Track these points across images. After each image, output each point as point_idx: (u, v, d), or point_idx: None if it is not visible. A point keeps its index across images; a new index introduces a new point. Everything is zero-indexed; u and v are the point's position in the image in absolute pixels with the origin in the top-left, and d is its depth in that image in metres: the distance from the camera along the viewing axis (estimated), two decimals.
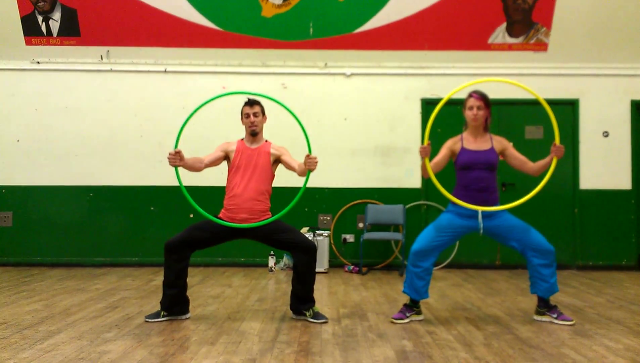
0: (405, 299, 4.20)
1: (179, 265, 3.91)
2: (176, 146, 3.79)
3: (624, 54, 6.72)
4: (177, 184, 7.19)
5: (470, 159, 3.84)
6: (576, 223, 6.74)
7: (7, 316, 4.01)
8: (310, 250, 3.87)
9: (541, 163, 3.91)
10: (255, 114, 4.05)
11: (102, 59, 6.76)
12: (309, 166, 3.69)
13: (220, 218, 3.97)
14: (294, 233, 3.95)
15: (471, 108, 3.86)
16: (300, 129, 3.81)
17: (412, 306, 3.96)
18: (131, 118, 6.80)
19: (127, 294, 4.92)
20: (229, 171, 4.08)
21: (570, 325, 3.80)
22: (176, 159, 3.76)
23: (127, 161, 6.77)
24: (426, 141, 3.74)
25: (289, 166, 4.01)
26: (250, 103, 4.08)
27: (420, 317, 3.98)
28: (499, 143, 3.94)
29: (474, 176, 3.82)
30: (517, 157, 3.96)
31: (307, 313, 3.92)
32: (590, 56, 6.72)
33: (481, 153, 3.85)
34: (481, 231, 3.85)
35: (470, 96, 3.90)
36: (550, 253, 3.88)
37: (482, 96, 3.87)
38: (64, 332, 3.58)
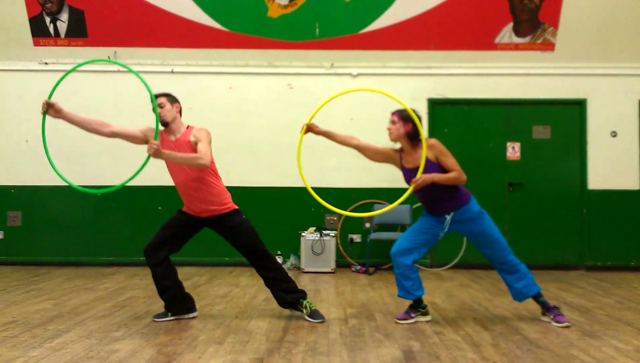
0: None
1: (159, 268, 3.85)
2: (50, 97, 3.77)
3: (632, 53, 6.69)
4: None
5: (407, 177, 3.87)
6: (584, 223, 6.71)
7: (17, 315, 4.04)
8: (258, 258, 3.90)
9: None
10: (160, 105, 3.87)
11: (109, 59, 6.80)
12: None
13: (184, 210, 3.97)
14: (245, 234, 3.89)
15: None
16: None
17: (417, 307, 3.96)
18: (138, 119, 6.78)
19: (135, 293, 4.94)
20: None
21: (564, 326, 3.76)
22: (44, 106, 3.73)
23: (134, 161, 6.71)
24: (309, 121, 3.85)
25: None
26: (156, 96, 3.91)
27: (427, 318, 3.98)
28: (430, 150, 3.76)
29: (418, 193, 3.86)
30: (446, 166, 3.77)
31: (304, 311, 3.92)
32: (598, 55, 6.69)
33: (414, 170, 3.77)
34: (442, 233, 3.88)
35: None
36: (506, 263, 3.87)
37: (396, 112, 3.87)
38: (72, 331, 3.60)
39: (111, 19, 6.59)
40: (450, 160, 3.76)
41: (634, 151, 6.73)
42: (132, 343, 3.32)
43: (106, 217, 6.78)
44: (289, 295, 3.95)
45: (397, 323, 3.88)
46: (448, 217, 3.83)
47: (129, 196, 6.75)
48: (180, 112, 3.97)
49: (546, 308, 3.94)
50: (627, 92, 6.78)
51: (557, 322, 3.82)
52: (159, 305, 4.41)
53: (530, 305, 4.54)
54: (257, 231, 3.97)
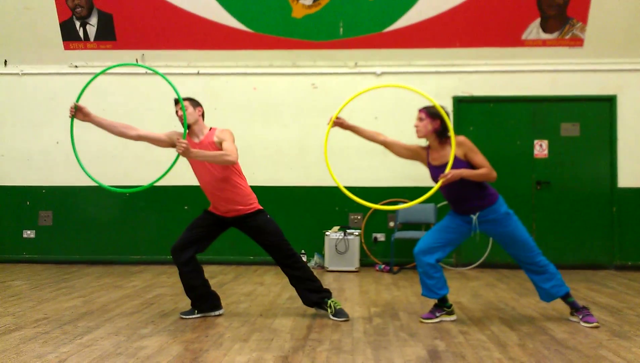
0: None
1: (186, 268, 3.92)
2: (77, 101, 3.84)
3: None
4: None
5: (433, 175, 3.84)
6: (614, 222, 6.56)
7: (49, 312, 4.15)
8: (284, 257, 3.91)
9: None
10: (179, 109, 3.89)
11: (137, 62, 6.92)
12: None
13: (210, 210, 4.03)
14: (271, 233, 3.92)
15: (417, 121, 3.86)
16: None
17: (442, 306, 3.93)
18: (166, 119, 6.91)
19: (162, 291, 5.03)
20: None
21: (593, 327, 3.68)
22: (72, 110, 3.80)
23: (161, 162, 6.82)
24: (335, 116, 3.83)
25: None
26: (175, 102, 3.94)
27: (452, 317, 3.94)
28: (459, 147, 3.71)
29: (444, 191, 3.82)
30: (475, 163, 3.72)
31: (329, 310, 3.93)
32: (628, 50, 6.53)
33: (441, 167, 3.74)
34: (472, 232, 3.85)
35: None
36: (534, 264, 3.80)
37: (424, 109, 3.82)
38: (102, 328, 3.68)
39: (139, 22, 6.71)
40: (479, 157, 3.71)
41: None
42: (160, 340, 3.38)
43: (134, 216, 6.91)
44: (314, 294, 3.97)
45: (421, 322, 3.86)
46: (474, 217, 3.79)
47: (156, 196, 6.87)
48: (202, 115, 4.02)
49: (575, 308, 3.87)
50: None
51: (586, 322, 3.74)
52: (186, 302, 4.48)
53: (558, 304, 4.46)
54: (282, 231, 4.00)
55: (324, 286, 4.07)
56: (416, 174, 6.70)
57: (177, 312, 4.13)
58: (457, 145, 3.70)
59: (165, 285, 5.38)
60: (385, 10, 6.55)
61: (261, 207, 4.03)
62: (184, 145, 3.59)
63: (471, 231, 3.86)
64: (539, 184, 6.66)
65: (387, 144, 4.01)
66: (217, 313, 4.04)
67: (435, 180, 3.76)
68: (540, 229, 6.59)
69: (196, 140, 3.95)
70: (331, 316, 3.93)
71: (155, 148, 7.12)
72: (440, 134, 3.80)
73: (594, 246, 6.59)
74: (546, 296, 3.87)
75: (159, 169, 6.81)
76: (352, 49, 6.73)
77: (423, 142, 3.95)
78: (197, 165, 3.94)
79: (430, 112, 3.80)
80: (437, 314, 3.90)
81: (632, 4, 6.30)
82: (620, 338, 3.44)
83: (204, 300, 4.00)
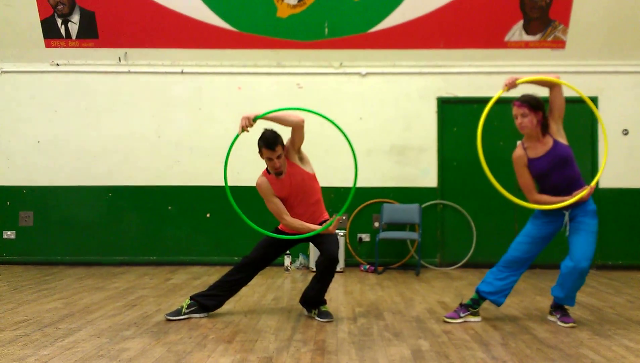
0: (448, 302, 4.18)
1: (241, 282, 4.03)
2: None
3: None
4: (193, 184, 7.23)
5: (540, 167, 3.66)
6: None
7: (29, 314, 4.08)
8: (331, 261, 3.88)
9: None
10: (278, 157, 3.90)
11: (120, 60, 6.85)
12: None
13: (280, 231, 4.06)
14: (330, 240, 3.95)
15: (515, 118, 3.70)
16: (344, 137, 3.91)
17: (470, 306, 3.87)
18: (149, 119, 6.88)
19: (145, 292, 4.98)
20: (284, 197, 4.04)
21: (570, 327, 3.72)
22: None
23: (145, 161, 6.85)
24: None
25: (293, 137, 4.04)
26: (270, 146, 3.88)
27: (477, 319, 3.89)
28: (562, 136, 3.70)
29: (550, 184, 3.66)
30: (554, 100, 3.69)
31: (314, 311, 3.97)
32: (609, 52, 6.63)
33: (547, 154, 3.64)
34: (567, 231, 3.70)
35: (513, 105, 3.72)
36: (575, 269, 3.59)
37: (524, 102, 3.65)
38: (83, 330, 3.63)
39: (122, 20, 6.64)
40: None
41: None
42: (142, 342, 3.35)
43: (117, 217, 6.83)
44: (315, 299, 3.98)
45: (446, 322, 3.83)
46: (567, 213, 3.64)
47: (139, 196, 6.81)
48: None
49: (553, 307, 3.91)
50: (639, 90, 6.71)
51: (563, 322, 3.79)
52: (169, 303, 4.45)
53: (541, 304, 4.52)
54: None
55: (308, 295, 4.07)
56: (401, 175, 6.75)
57: (160, 314, 4.10)
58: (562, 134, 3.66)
59: (148, 286, 5.32)
60: (370, 11, 6.56)
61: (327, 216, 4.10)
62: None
63: (557, 230, 3.74)
64: None
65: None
66: (202, 315, 3.99)
67: (539, 171, 3.61)
68: (522, 229, 6.65)
69: (283, 176, 4.00)
70: (316, 317, 3.93)
71: (138, 149, 7.07)
72: (544, 126, 3.66)
73: None
74: (569, 300, 3.78)
75: (142, 169, 6.78)
76: (337, 49, 6.73)
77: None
78: (293, 198, 3.97)
79: (532, 105, 3.62)
80: (462, 314, 3.87)
81: (613, 7, 6.39)
82: (601, 337, 3.49)
83: (214, 305, 4.02)
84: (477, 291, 3.90)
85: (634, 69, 6.67)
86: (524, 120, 3.65)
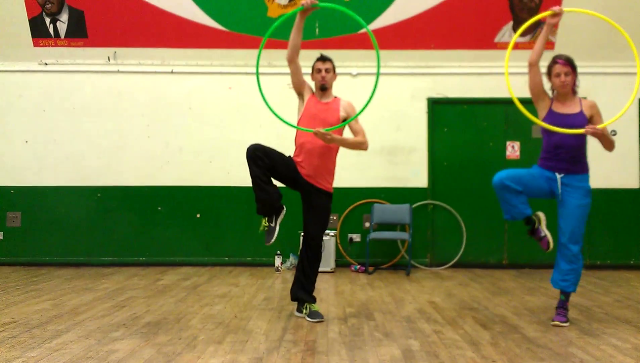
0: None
1: (266, 166, 3.82)
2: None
3: (631, 52, 6.66)
4: (183, 184, 7.19)
5: (554, 121, 3.73)
6: None
7: (16, 316, 4.04)
8: (311, 245, 3.94)
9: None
10: (327, 70, 4.09)
11: (109, 60, 6.80)
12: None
13: (295, 160, 4.00)
14: (319, 221, 3.95)
15: (558, 75, 3.76)
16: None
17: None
18: (138, 119, 6.84)
19: (134, 293, 4.94)
20: (299, 119, 4.07)
21: (555, 325, 3.75)
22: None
23: (134, 161, 6.80)
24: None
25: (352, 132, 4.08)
26: (323, 59, 4.14)
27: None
28: (589, 108, 3.80)
29: (555, 142, 3.76)
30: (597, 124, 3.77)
31: (304, 311, 3.97)
32: (597, 54, 6.68)
33: (568, 116, 3.75)
34: (555, 194, 3.82)
35: (555, 62, 3.79)
36: (570, 249, 3.74)
37: (567, 61, 3.77)
38: (72, 331, 3.60)
39: (111, 19, 6.59)
40: (601, 120, 3.77)
41: (634, 150, 6.73)
42: (131, 343, 3.33)
43: (106, 217, 6.78)
44: (302, 292, 3.99)
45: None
46: (559, 176, 3.78)
47: (128, 197, 6.76)
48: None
49: (558, 306, 3.90)
50: (627, 91, 6.71)
51: (554, 320, 3.82)
52: (158, 304, 4.42)
53: (530, 304, 4.55)
54: (327, 225, 4.05)
55: (294, 287, 4.09)
56: (391, 175, 6.76)
57: (150, 314, 4.07)
58: (589, 106, 3.79)
59: (137, 287, 5.29)
60: (360, 12, 6.50)
61: (332, 191, 4.07)
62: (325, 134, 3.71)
63: (550, 193, 3.83)
64: None
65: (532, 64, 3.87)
66: (283, 212, 3.89)
67: (551, 125, 3.68)
68: (512, 228, 6.69)
69: (325, 100, 4.07)
70: (306, 317, 3.93)
71: (128, 148, 7.04)
72: (574, 87, 3.82)
73: None
74: (554, 282, 3.87)
75: (132, 169, 6.74)
76: (327, 49, 6.70)
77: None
78: (312, 122, 3.93)
79: (574, 65, 3.76)
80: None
81: (601, 10, 6.42)
82: (589, 336, 3.51)
83: (277, 198, 3.88)
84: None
85: (622, 70, 6.72)
86: (567, 78, 3.76)
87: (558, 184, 3.81)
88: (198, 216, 6.75)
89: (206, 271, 6.28)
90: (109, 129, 6.79)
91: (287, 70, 6.70)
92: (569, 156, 3.80)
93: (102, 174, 6.76)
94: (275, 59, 6.81)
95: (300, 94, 4.15)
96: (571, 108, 3.81)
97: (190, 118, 6.84)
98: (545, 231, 3.88)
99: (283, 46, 6.67)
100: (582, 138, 3.78)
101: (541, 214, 3.96)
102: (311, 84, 4.19)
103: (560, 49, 6.63)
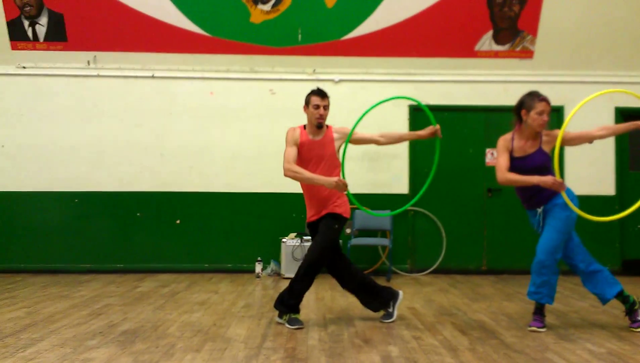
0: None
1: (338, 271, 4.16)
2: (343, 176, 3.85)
3: (609, 61, 6.81)
4: (163, 190, 7.12)
5: (517, 166, 3.86)
6: None
7: None
8: (305, 259, 3.99)
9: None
10: (325, 107, 3.96)
11: (89, 64, 6.72)
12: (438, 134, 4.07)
13: (308, 221, 4.13)
14: (317, 239, 3.99)
15: (541, 113, 3.84)
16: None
17: (632, 311, 3.88)
18: (118, 124, 6.76)
19: (111, 301, 4.87)
20: (297, 163, 3.99)
21: (532, 330, 3.80)
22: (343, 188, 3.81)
23: (113, 167, 6.72)
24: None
25: (367, 140, 4.09)
26: (322, 94, 3.99)
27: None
28: (548, 141, 3.89)
29: (523, 187, 3.89)
30: (575, 138, 3.99)
31: (284, 317, 3.95)
32: (576, 63, 6.80)
33: (527, 158, 3.86)
34: (537, 226, 3.97)
35: (541, 100, 3.87)
36: (537, 259, 3.83)
37: (547, 101, 3.90)
38: (46, 340, 3.53)
39: (91, 23, 6.52)
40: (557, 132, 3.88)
41: (610, 158, 6.85)
42: (108, 352, 3.27)
43: (83, 223, 6.67)
44: (285, 302, 3.96)
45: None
46: (539, 210, 3.88)
47: (106, 202, 6.67)
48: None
49: (535, 312, 3.94)
50: (604, 100, 6.87)
51: (530, 324, 3.87)
52: (136, 312, 4.37)
53: (508, 309, 4.59)
54: (329, 245, 4.00)
55: (279, 293, 4.06)
56: (373, 182, 6.77)
57: (127, 322, 4.01)
58: (549, 141, 3.90)
59: (114, 294, 5.21)
60: (343, 19, 6.60)
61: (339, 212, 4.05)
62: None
63: (536, 226, 3.95)
64: (490, 191, 6.83)
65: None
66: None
67: (516, 171, 3.79)
68: (491, 235, 6.76)
69: (317, 138, 3.99)
70: (286, 324, 3.91)
71: (107, 154, 6.94)
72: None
73: None
74: (528, 294, 3.91)
75: (110, 175, 6.66)
76: (310, 56, 6.74)
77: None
78: (314, 168, 3.93)
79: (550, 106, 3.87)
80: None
81: (579, 19, 6.56)
82: (566, 341, 3.56)
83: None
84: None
85: (599, 79, 6.84)
86: (547, 118, 3.87)
87: (538, 216, 3.93)
88: (178, 222, 6.69)
89: (185, 278, 6.22)
90: (87, 133, 6.70)
91: (270, 75, 6.82)
92: (537, 190, 3.84)
93: (80, 180, 6.66)
94: (257, 65, 6.82)
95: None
96: (531, 147, 3.91)
97: (170, 123, 6.78)
98: None
99: (265, 51, 6.72)
100: (546, 169, 3.84)
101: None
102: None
103: (539, 57, 6.75)
